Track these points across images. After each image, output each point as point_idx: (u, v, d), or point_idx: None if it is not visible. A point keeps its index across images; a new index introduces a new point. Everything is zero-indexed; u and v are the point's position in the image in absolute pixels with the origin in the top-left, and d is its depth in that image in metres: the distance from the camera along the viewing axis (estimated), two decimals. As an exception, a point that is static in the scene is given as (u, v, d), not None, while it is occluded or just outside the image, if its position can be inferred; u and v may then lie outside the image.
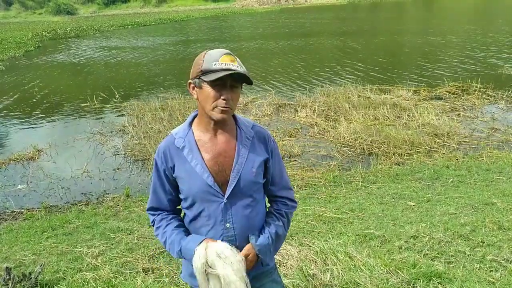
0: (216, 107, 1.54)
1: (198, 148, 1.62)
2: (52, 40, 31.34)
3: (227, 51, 1.55)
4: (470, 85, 9.52)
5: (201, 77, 1.52)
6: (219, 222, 1.62)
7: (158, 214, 1.73)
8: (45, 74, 16.46)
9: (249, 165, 1.62)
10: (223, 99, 1.53)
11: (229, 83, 1.52)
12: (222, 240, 1.60)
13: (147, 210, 1.77)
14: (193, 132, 1.65)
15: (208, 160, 1.60)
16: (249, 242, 1.65)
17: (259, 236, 1.66)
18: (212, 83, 1.51)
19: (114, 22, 44.15)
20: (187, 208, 1.68)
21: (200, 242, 1.57)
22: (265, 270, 1.74)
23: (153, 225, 1.75)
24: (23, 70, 17.50)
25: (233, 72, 1.48)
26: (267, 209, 1.79)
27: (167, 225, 1.70)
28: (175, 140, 1.65)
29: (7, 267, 3.01)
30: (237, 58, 1.56)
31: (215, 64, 1.50)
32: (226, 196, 1.61)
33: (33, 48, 25.62)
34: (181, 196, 1.68)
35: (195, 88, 1.57)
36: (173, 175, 1.65)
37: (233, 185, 1.60)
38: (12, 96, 12.50)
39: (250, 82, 1.55)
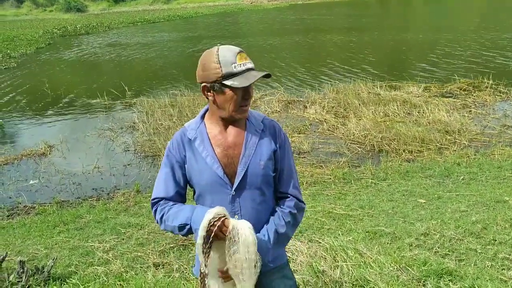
0: (240, 107, 1.57)
1: (209, 140, 1.63)
2: (62, 37, 31.62)
3: (239, 48, 1.54)
4: (482, 82, 9.39)
5: (223, 82, 1.51)
6: (228, 213, 1.62)
7: (162, 202, 1.67)
8: (56, 70, 16.62)
9: (257, 157, 1.63)
10: (246, 99, 1.57)
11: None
12: None
13: (152, 200, 1.69)
14: (205, 125, 1.67)
15: (218, 152, 1.62)
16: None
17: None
18: (240, 87, 1.51)
19: (123, 19, 44.37)
20: (197, 199, 1.70)
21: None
22: (276, 266, 1.72)
23: (155, 210, 1.67)
24: (34, 67, 17.69)
25: (265, 73, 1.54)
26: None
27: (173, 205, 1.64)
28: (187, 131, 1.67)
29: (20, 261, 3.06)
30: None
31: (235, 67, 1.50)
32: (233, 188, 1.62)
33: (44, 45, 25.85)
34: (192, 183, 1.68)
35: (211, 91, 1.56)
36: (185, 165, 1.66)
37: (241, 177, 1.61)
38: (23, 92, 12.65)
39: (269, 76, 1.59)
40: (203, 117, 1.70)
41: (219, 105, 1.58)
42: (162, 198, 1.68)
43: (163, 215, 1.64)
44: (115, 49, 21.67)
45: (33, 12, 74.38)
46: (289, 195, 1.71)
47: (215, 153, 1.62)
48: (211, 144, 1.63)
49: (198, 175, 1.64)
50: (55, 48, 24.13)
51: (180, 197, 1.71)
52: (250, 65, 1.53)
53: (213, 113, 1.64)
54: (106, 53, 20.62)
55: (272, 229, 1.65)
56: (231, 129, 1.65)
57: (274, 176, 1.70)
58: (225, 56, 1.50)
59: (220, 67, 1.50)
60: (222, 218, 1.45)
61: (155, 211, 1.68)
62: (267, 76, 1.57)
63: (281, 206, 1.71)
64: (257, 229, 1.63)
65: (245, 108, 1.59)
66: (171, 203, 1.66)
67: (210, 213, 1.45)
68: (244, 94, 1.56)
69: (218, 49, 1.53)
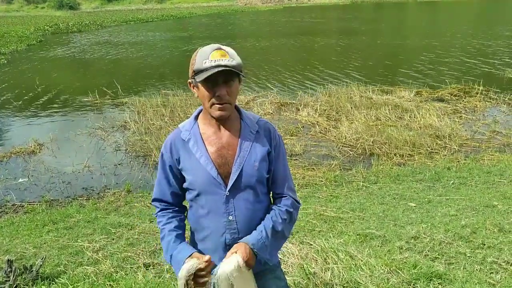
0: (213, 104, 1.55)
1: (203, 141, 1.64)
2: (54, 34, 31.32)
3: (218, 45, 1.54)
4: (472, 88, 9.50)
5: (195, 77, 1.54)
6: (222, 214, 1.63)
7: (161, 210, 1.75)
8: (47, 68, 16.46)
9: (251, 158, 1.63)
10: (217, 96, 1.53)
11: (222, 79, 1.52)
12: (225, 233, 1.63)
13: (152, 201, 1.80)
14: (198, 126, 1.67)
15: (212, 152, 1.63)
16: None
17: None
18: (204, 82, 1.52)
19: (116, 18, 44.10)
20: (192, 199, 1.70)
21: (189, 256, 1.57)
22: (269, 267, 1.73)
23: (157, 216, 1.77)
24: (25, 64, 17.48)
25: (221, 68, 1.48)
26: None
27: (166, 223, 1.71)
28: (181, 133, 1.68)
29: (8, 260, 3.02)
30: (230, 51, 1.54)
31: (205, 63, 1.50)
32: (228, 189, 1.62)
33: (35, 42, 25.60)
34: (185, 185, 1.70)
35: (194, 87, 1.60)
36: (179, 167, 1.67)
37: (235, 178, 1.61)
38: (13, 89, 12.49)
39: (239, 74, 1.55)
40: (196, 117, 1.71)
41: (200, 101, 1.61)
42: (160, 200, 1.75)
43: (158, 227, 1.74)
44: (107, 48, 21.53)
45: (24, 8, 73.63)
46: (285, 195, 1.73)
47: (208, 153, 1.63)
48: (205, 145, 1.64)
49: (192, 175, 1.65)
50: (46, 46, 23.88)
51: (176, 197, 1.75)
52: (224, 62, 1.49)
53: (204, 111, 1.66)
54: (98, 51, 20.47)
55: (270, 225, 1.65)
56: (225, 130, 1.65)
57: (267, 177, 1.71)
58: (201, 53, 1.53)
59: (195, 63, 1.54)
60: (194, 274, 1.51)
61: (157, 215, 1.77)
62: (237, 73, 1.53)
63: (278, 205, 1.72)
64: (252, 229, 1.66)
65: (219, 107, 1.55)
66: (166, 217, 1.72)
67: (183, 271, 1.52)
68: (215, 91, 1.53)
69: (202, 47, 1.56)
